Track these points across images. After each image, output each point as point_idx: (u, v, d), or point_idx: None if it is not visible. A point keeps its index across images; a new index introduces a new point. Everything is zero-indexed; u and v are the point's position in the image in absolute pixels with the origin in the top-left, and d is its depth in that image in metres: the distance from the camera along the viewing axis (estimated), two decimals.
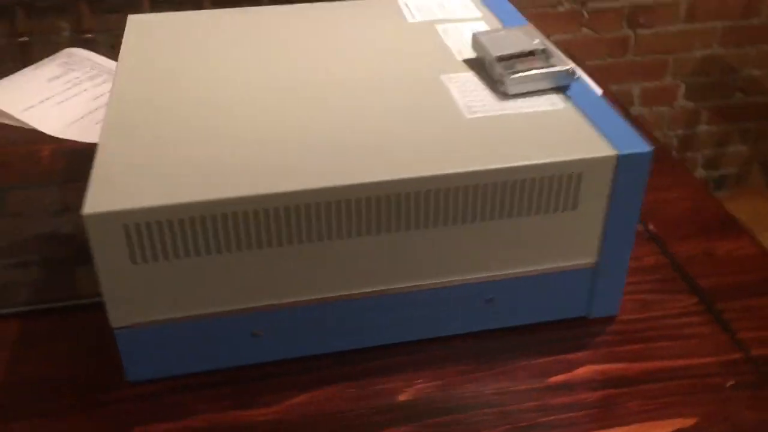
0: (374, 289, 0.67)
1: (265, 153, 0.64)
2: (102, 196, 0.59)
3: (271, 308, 0.66)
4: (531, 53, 0.74)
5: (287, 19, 0.89)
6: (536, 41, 0.76)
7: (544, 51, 0.74)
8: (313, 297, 0.66)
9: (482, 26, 0.87)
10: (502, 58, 0.74)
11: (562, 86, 0.74)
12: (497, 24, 0.87)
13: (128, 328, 0.65)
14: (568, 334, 0.72)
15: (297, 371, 0.68)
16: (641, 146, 0.65)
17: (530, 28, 0.80)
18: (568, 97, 0.73)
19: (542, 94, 0.73)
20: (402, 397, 0.66)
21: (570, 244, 0.69)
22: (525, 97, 0.73)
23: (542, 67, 0.72)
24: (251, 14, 0.91)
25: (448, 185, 0.62)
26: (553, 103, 0.72)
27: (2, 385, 0.67)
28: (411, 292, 0.68)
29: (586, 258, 0.70)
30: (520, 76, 0.72)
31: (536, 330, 0.72)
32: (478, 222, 0.65)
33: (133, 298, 0.63)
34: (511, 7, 0.92)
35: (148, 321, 0.64)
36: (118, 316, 0.64)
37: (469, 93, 0.73)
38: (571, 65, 0.73)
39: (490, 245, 0.67)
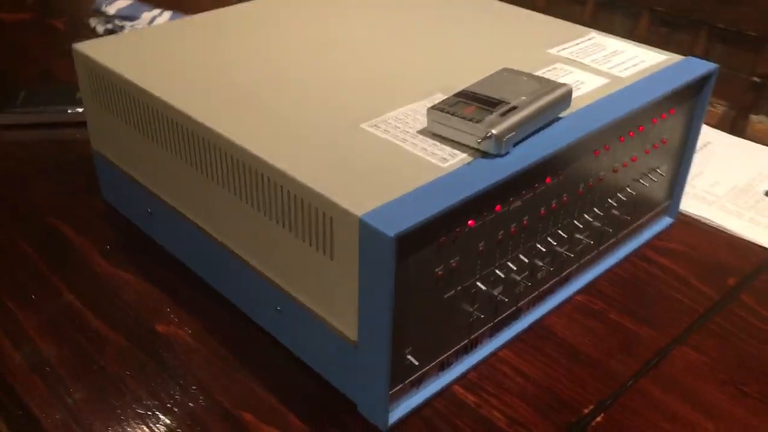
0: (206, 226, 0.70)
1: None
2: (99, 45, 0.78)
3: (160, 199, 0.75)
4: (498, 103, 0.60)
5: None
6: (523, 98, 0.61)
7: (512, 109, 0.59)
8: (186, 212, 0.73)
9: (591, 83, 0.70)
10: (463, 94, 0.62)
11: (486, 152, 0.59)
12: (608, 90, 0.69)
13: (99, 154, 0.83)
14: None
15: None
16: (390, 230, 0.51)
17: (562, 89, 0.63)
18: (470, 164, 0.58)
19: (458, 148, 0.60)
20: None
21: (333, 300, 0.59)
22: (440, 140, 0.61)
23: (465, 119, 0.59)
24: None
25: (251, 162, 0.60)
26: (442, 157, 0.59)
27: None
28: (224, 250, 0.68)
29: (347, 328, 0.58)
30: (436, 114, 0.60)
31: (299, 384, 0.64)
32: (262, 212, 0.62)
33: (100, 134, 0.80)
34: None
35: (108, 157, 0.81)
36: (93, 141, 0.82)
37: (411, 114, 0.65)
38: (495, 132, 0.57)
39: (273, 244, 0.62)
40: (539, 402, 0.62)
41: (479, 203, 0.57)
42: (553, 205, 0.65)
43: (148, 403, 0.62)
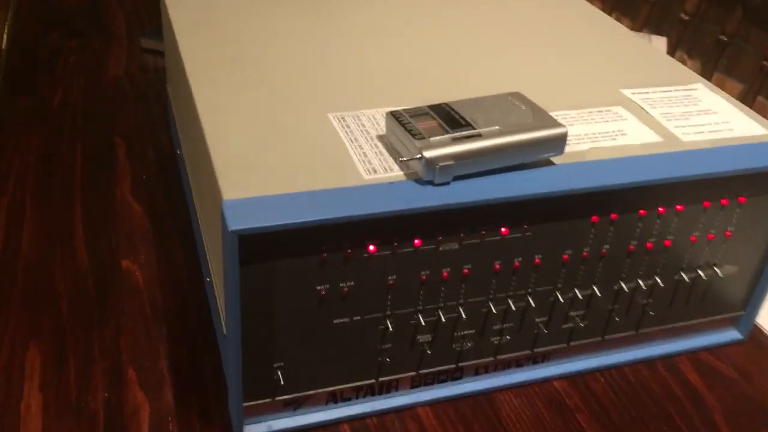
0: None
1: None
2: None
3: (179, 143, 0.75)
4: (462, 126, 0.51)
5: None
6: (496, 128, 0.51)
7: (473, 136, 0.50)
8: (185, 158, 0.71)
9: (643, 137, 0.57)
10: (437, 107, 0.54)
11: (424, 180, 0.50)
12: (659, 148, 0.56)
13: (167, 92, 0.84)
14: None
15: None
16: (236, 224, 0.45)
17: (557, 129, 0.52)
18: (395, 184, 0.50)
19: (403, 164, 0.52)
20: None
21: (221, 283, 0.54)
22: (390, 150, 0.53)
23: (410, 133, 0.51)
24: None
25: (196, 118, 0.58)
26: (373, 168, 0.51)
27: None
28: (193, 205, 0.66)
29: (223, 317, 0.54)
30: (391, 120, 0.53)
31: (201, 362, 0.60)
32: (202, 172, 0.59)
33: (169, 71, 0.82)
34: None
35: (170, 96, 0.83)
36: (168, 77, 0.84)
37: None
38: (426, 156, 0.48)
39: (205, 207, 0.59)
40: None
41: (384, 229, 0.49)
42: (516, 263, 0.54)
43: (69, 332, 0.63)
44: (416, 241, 0.50)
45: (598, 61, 0.69)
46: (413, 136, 0.50)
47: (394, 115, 0.53)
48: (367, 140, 0.54)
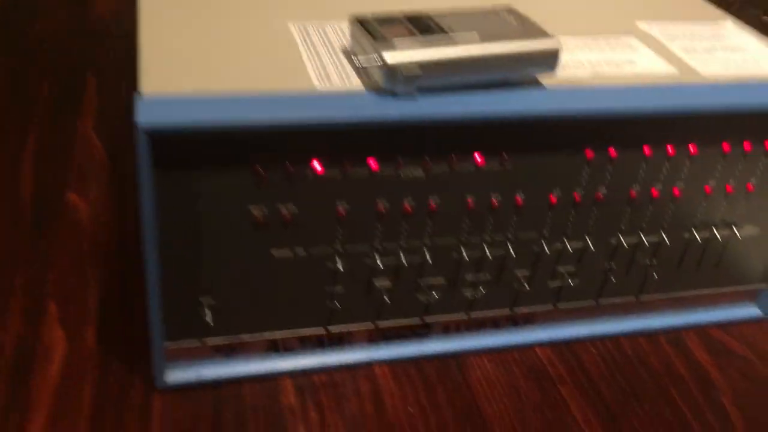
0: None
1: None
2: None
3: None
4: (435, 31, 0.43)
5: None
6: (474, 34, 0.43)
7: (445, 42, 0.42)
8: None
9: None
10: (413, 15, 0.46)
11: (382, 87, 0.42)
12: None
13: None
14: None
15: None
16: (148, 118, 0.38)
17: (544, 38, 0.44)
18: (351, 93, 0.42)
19: (364, 74, 0.44)
20: None
21: None
22: (351, 60, 0.46)
23: (373, 37, 0.43)
24: None
25: None
26: (327, 76, 0.44)
27: None
28: None
29: None
30: (355, 26, 0.45)
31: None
32: None
33: None
34: None
35: None
36: None
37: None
38: (388, 60, 0.41)
39: None
40: None
41: (331, 143, 0.41)
42: (493, 201, 0.46)
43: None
44: (372, 163, 0.43)
45: None
46: (376, 40, 0.42)
47: (359, 20, 0.45)
48: (329, 52, 0.47)
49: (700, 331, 0.56)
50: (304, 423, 0.46)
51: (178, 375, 0.47)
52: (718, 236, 0.52)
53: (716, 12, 0.60)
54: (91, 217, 0.61)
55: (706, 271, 0.54)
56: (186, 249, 0.43)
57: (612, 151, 0.46)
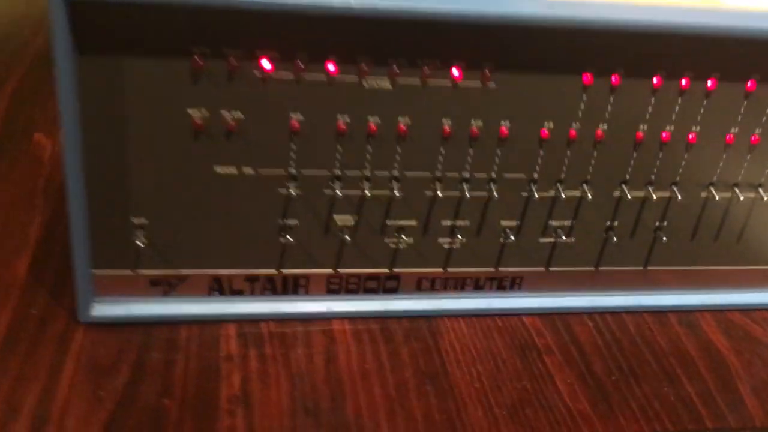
0: None
1: None
2: None
3: None
4: None
5: None
6: None
7: None
8: None
9: None
10: None
11: None
12: None
13: None
14: None
15: None
16: None
17: None
18: None
19: None
20: None
21: None
22: None
23: None
24: None
25: None
26: None
27: None
28: None
29: None
30: None
31: None
32: None
33: None
34: None
35: None
36: None
37: None
38: None
39: None
40: (292, 405, 0.39)
41: (280, 35, 0.36)
42: (474, 129, 0.40)
43: None
44: (330, 66, 0.37)
45: None
46: None
47: None
48: None
49: (719, 314, 0.49)
50: (240, 372, 0.40)
51: (105, 309, 0.41)
52: (740, 197, 0.45)
53: None
54: (53, 158, 0.56)
55: (727, 243, 0.47)
56: (114, 157, 0.37)
57: (615, 79, 0.40)
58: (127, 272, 0.41)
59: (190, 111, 0.37)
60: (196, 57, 0.35)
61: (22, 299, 0.43)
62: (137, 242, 0.40)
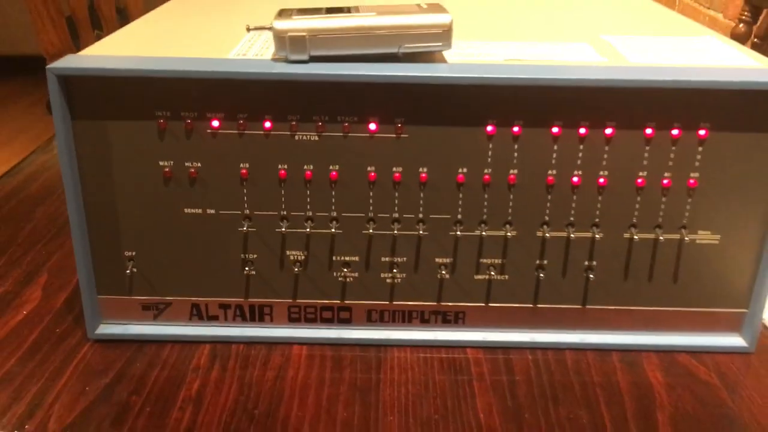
0: None
1: None
2: None
3: None
4: (337, 11, 0.47)
5: None
6: (372, 13, 0.46)
7: (339, 14, 0.46)
8: None
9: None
10: (335, 7, 0.50)
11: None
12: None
13: None
14: None
15: None
16: (62, 66, 0.45)
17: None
18: (251, 59, 0.47)
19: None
20: None
21: None
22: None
23: (278, 17, 0.48)
24: None
25: None
26: (242, 53, 0.49)
27: None
28: None
29: None
30: (278, 18, 0.50)
31: None
32: None
33: None
34: None
35: None
36: None
37: None
38: (276, 26, 0.45)
39: None
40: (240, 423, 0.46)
41: (225, 99, 0.45)
42: (396, 174, 0.47)
43: None
44: (266, 123, 0.46)
45: (606, 14, 0.61)
46: (278, 17, 0.47)
47: (282, 9, 0.50)
48: (263, 47, 0.51)
49: (665, 355, 0.51)
50: (201, 380, 0.48)
51: (107, 329, 0.51)
52: (659, 238, 0.48)
53: (701, 29, 0.58)
54: None
55: (662, 284, 0.50)
56: (106, 201, 0.48)
57: (516, 129, 0.46)
58: (124, 297, 0.51)
59: (161, 163, 0.47)
60: (161, 120, 0.46)
61: (52, 322, 0.53)
62: (128, 271, 0.50)
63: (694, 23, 0.60)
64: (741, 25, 1.38)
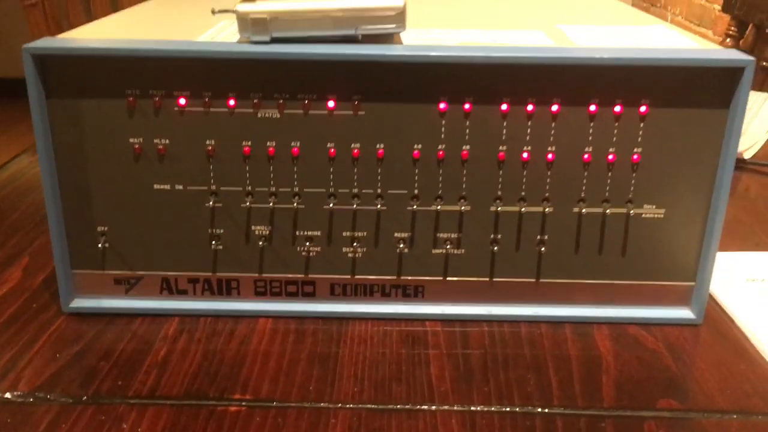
0: None
1: None
2: None
3: None
4: None
5: None
6: None
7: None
8: None
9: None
10: None
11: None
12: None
13: None
14: None
15: None
16: (36, 47, 0.48)
17: None
18: (217, 42, 0.50)
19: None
20: None
21: None
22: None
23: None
24: None
25: None
26: (213, 36, 0.51)
27: None
28: None
29: None
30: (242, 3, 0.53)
31: None
32: None
33: None
34: None
35: None
36: None
37: None
38: (239, 9, 0.48)
39: None
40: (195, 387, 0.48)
41: (190, 78, 0.48)
42: (355, 151, 0.50)
43: None
44: (230, 101, 0.49)
45: (559, 6, 0.64)
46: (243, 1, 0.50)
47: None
48: (233, 33, 0.54)
49: (617, 327, 0.53)
50: (168, 347, 0.50)
51: (81, 302, 0.53)
52: (606, 213, 0.50)
53: (649, 18, 0.60)
54: None
55: (612, 258, 0.52)
56: (79, 177, 0.50)
57: (467, 106, 0.48)
58: (97, 272, 0.53)
59: (131, 140, 0.49)
60: (130, 98, 0.48)
61: (29, 299, 0.55)
62: (100, 246, 0.52)
63: (649, 16, 0.63)
64: (728, 39, 1.41)
